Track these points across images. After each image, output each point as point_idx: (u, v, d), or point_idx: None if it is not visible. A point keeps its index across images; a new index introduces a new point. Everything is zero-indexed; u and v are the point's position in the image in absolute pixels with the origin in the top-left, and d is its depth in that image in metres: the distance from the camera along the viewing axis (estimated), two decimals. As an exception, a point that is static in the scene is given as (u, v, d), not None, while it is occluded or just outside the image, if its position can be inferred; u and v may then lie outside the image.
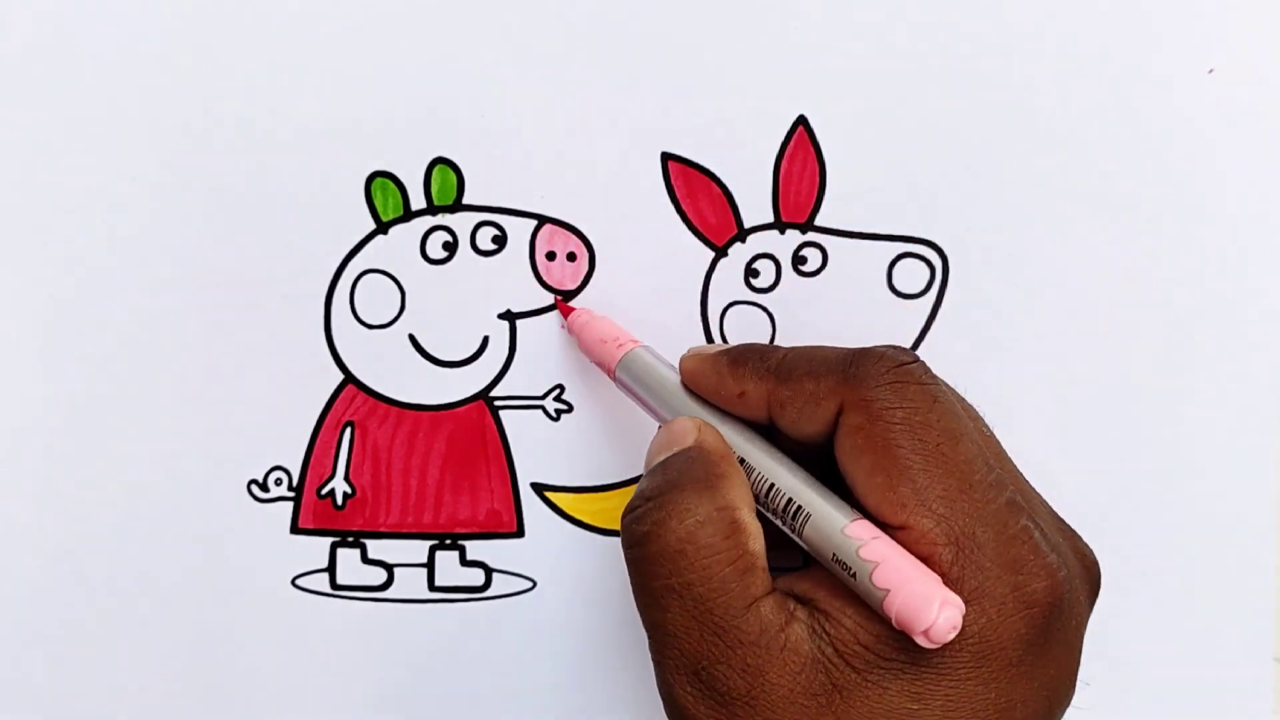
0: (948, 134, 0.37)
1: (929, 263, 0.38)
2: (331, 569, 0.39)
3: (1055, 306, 0.38)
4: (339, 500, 0.38)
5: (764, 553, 0.29)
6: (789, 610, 0.28)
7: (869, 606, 0.27)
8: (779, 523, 0.30)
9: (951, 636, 0.26)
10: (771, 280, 0.38)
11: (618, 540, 0.35)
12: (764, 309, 0.38)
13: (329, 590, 0.39)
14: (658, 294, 0.38)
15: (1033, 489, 0.31)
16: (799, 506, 0.29)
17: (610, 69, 0.37)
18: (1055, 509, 0.31)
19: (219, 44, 0.37)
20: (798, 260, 0.38)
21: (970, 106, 0.37)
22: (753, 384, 0.31)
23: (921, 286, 0.38)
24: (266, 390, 0.38)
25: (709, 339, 0.38)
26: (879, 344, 0.30)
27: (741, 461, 0.31)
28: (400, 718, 0.39)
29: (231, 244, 0.37)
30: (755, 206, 0.38)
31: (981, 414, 0.31)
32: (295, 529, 0.38)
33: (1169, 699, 0.39)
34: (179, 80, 0.37)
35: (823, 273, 0.38)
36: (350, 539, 0.39)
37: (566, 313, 0.37)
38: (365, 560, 0.39)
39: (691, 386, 0.33)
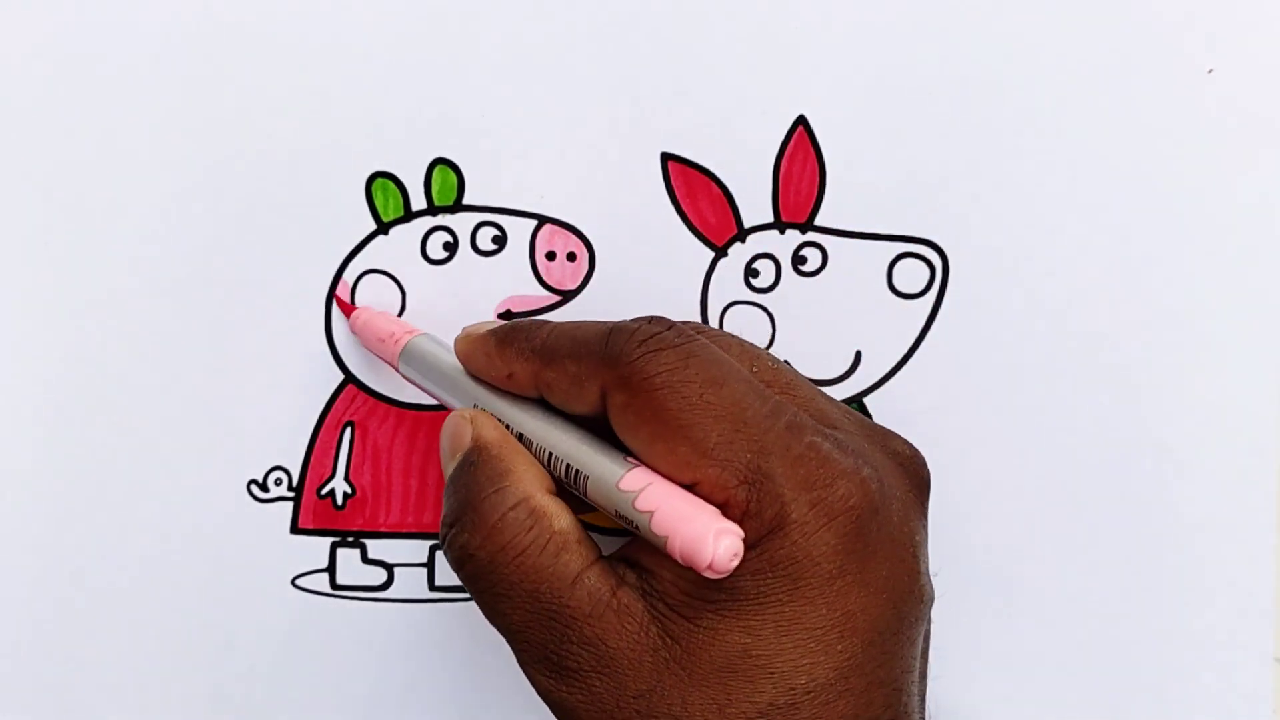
0: (948, 134, 0.37)
1: (929, 263, 0.38)
2: (331, 569, 0.39)
3: (1055, 306, 0.38)
4: (339, 500, 0.38)
5: (575, 525, 0.29)
6: (618, 575, 0.29)
7: None
8: (570, 488, 0.30)
9: (734, 563, 0.26)
10: (771, 280, 0.38)
11: (618, 539, 0.35)
12: (764, 309, 0.38)
13: (329, 590, 0.39)
14: (658, 294, 0.38)
15: (837, 407, 0.31)
16: (577, 470, 0.29)
17: (610, 69, 0.37)
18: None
19: (219, 45, 0.37)
20: (798, 260, 0.38)
21: (970, 106, 0.37)
22: (519, 365, 0.31)
23: (921, 286, 0.38)
24: (266, 390, 0.38)
25: (709, 339, 0.38)
26: (635, 318, 0.30)
27: (520, 437, 0.31)
28: (400, 718, 0.39)
29: (232, 244, 0.37)
30: (755, 206, 0.38)
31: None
32: (295, 529, 0.38)
33: (1169, 699, 0.39)
34: (180, 81, 0.37)
35: (823, 273, 0.38)
36: (350, 539, 0.39)
37: (348, 312, 0.37)
38: (365, 560, 0.39)
39: (468, 369, 0.33)
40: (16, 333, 0.38)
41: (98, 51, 0.37)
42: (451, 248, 0.38)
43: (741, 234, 0.38)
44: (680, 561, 0.26)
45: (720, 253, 0.38)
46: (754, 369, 0.30)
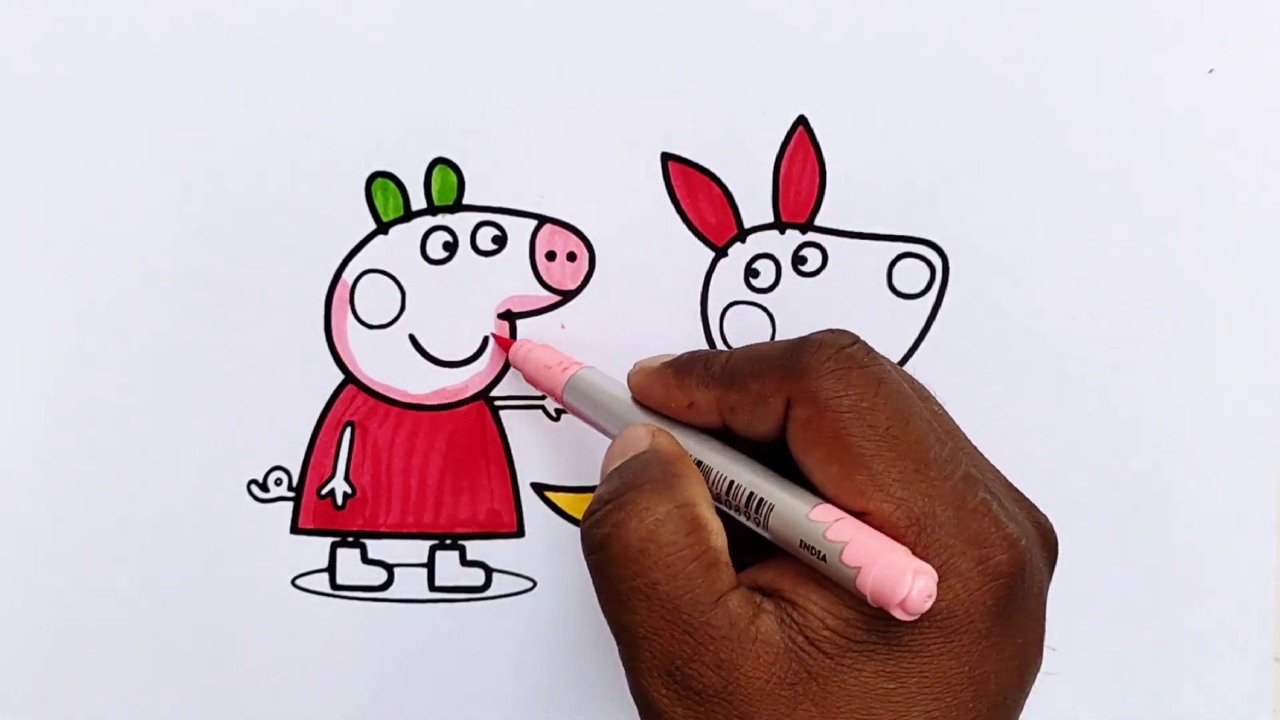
0: (948, 134, 0.37)
1: (929, 263, 0.38)
2: (331, 569, 0.39)
3: (1055, 306, 0.38)
4: (339, 500, 0.38)
5: (726, 549, 0.29)
6: (755, 603, 0.28)
7: (834, 592, 0.27)
8: (743, 519, 0.30)
9: (928, 605, 0.26)
10: (771, 280, 0.38)
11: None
12: (764, 309, 0.38)
13: (329, 590, 0.39)
14: (658, 294, 0.38)
15: (986, 461, 0.31)
16: (760, 499, 0.29)
17: (610, 69, 0.37)
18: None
19: (220, 45, 0.37)
20: (798, 260, 0.38)
21: (970, 106, 0.37)
22: (700, 393, 0.31)
23: (921, 286, 0.38)
24: (266, 390, 0.38)
25: (709, 339, 0.38)
26: (819, 330, 0.30)
27: (699, 465, 0.31)
28: (400, 718, 0.39)
29: (232, 244, 0.37)
30: (755, 206, 0.38)
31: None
32: (295, 529, 0.38)
33: (1169, 699, 0.39)
34: (180, 81, 0.37)
35: (823, 273, 0.38)
36: (350, 539, 0.39)
37: (506, 346, 0.38)
38: (365, 560, 0.39)
39: (643, 401, 0.33)
40: (17, 333, 0.38)
41: (98, 52, 0.37)
42: (451, 248, 0.38)
43: (741, 234, 0.38)
44: (868, 596, 0.26)
45: (720, 253, 0.38)
46: (927, 407, 0.30)
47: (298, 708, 0.39)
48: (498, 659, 0.39)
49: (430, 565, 0.39)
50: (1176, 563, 0.39)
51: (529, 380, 0.37)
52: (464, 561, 0.39)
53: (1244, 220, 0.38)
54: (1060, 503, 0.37)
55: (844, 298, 0.38)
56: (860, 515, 0.27)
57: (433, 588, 0.39)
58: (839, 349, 0.28)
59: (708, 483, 0.30)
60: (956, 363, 0.38)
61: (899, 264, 0.38)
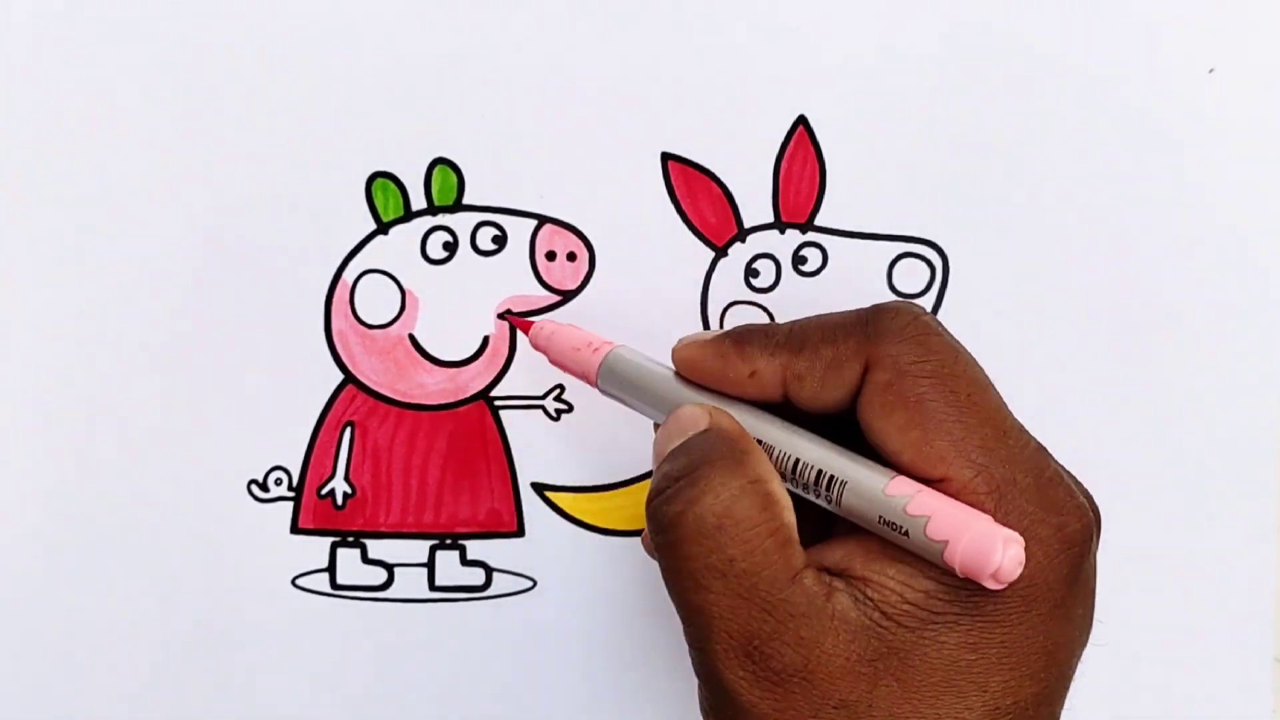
0: (948, 134, 0.37)
1: (929, 263, 0.38)
2: (331, 569, 0.39)
3: (1055, 306, 0.38)
4: (339, 500, 0.38)
5: (795, 526, 0.28)
6: (828, 582, 0.27)
7: (912, 565, 0.27)
8: (812, 497, 0.29)
9: (1019, 572, 0.25)
10: (771, 280, 0.38)
11: (618, 540, 0.35)
12: (764, 309, 0.38)
13: (329, 590, 0.39)
14: (658, 294, 0.38)
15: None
16: (832, 476, 0.28)
17: (610, 69, 0.37)
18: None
19: (220, 44, 0.37)
20: (798, 260, 0.38)
21: (970, 106, 0.37)
22: (764, 361, 0.29)
23: (921, 286, 0.38)
24: (266, 390, 0.38)
25: (709, 339, 0.38)
26: (889, 300, 0.29)
27: (760, 444, 0.30)
28: (400, 718, 0.39)
29: (232, 244, 0.37)
30: (755, 206, 0.38)
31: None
32: (295, 529, 0.38)
33: (1169, 699, 0.39)
34: (180, 80, 0.37)
35: (823, 273, 0.38)
36: (350, 539, 0.39)
37: (525, 328, 0.36)
38: (365, 560, 0.39)
39: (690, 376, 0.31)
40: (17, 333, 0.38)
41: (98, 52, 0.37)
42: (451, 247, 0.38)
43: (742, 234, 0.38)
44: (958, 568, 0.26)
45: (720, 253, 0.38)
46: None
47: (298, 708, 0.39)
48: (498, 659, 0.39)
49: (430, 565, 0.39)
50: (1176, 563, 0.39)
51: (555, 363, 0.35)
52: (464, 561, 0.39)
53: (1244, 220, 0.38)
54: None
55: (844, 298, 0.38)
56: (939, 482, 0.27)
57: (433, 588, 0.39)
58: (915, 316, 0.28)
59: (772, 460, 0.29)
60: (956, 363, 0.38)
61: (899, 264, 0.38)
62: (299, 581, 0.39)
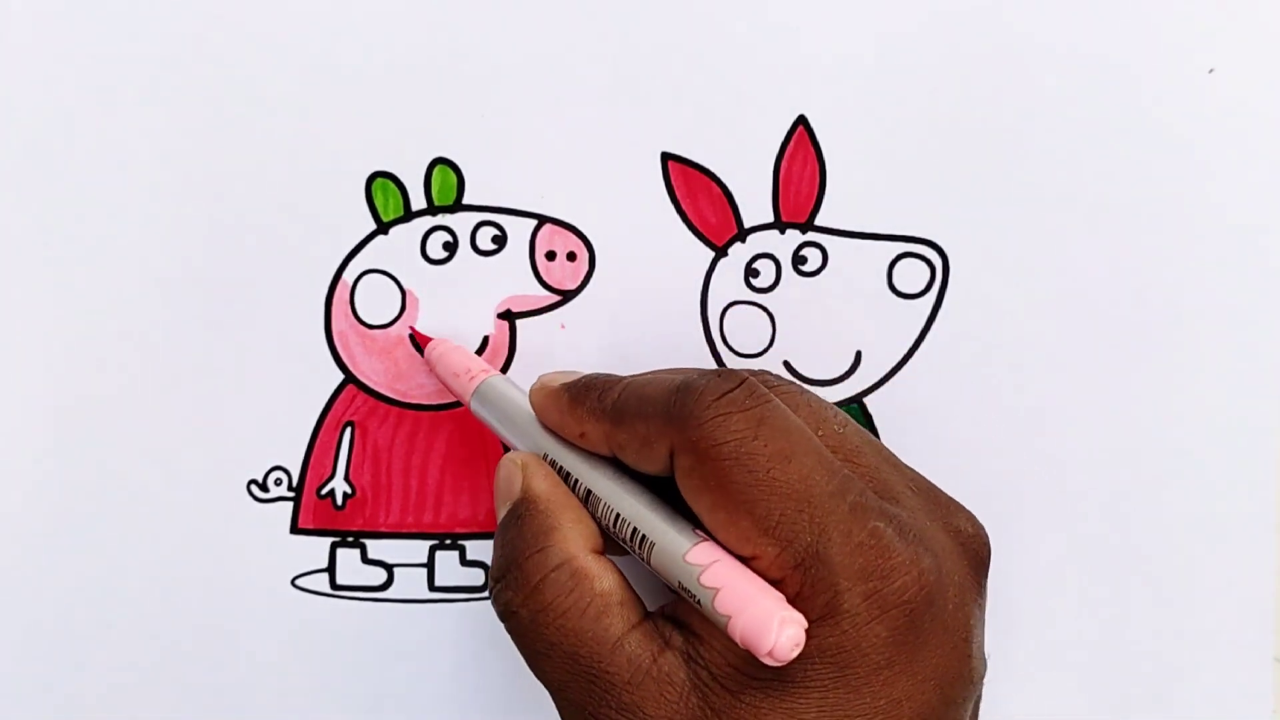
0: (948, 134, 0.37)
1: (929, 263, 0.38)
2: (331, 569, 0.39)
3: (1055, 306, 0.38)
4: (339, 500, 0.38)
5: (620, 585, 0.29)
6: (664, 638, 0.29)
7: None
8: (630, 552, 0.30)
9: (795, 653, 0.26)
10: (771, 280, 0.38)
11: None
12: (764, 309, 0.38)
13: (329, 590, 0.39)
14: (658, 294, 0.38)
15: (900, 474, 0.31)
16: (643, 536, 0.29)
17: (610, 69, 0.37)
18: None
19: (219, 44, 0.37)
20: (798, 260, 0.38)
21: (970, 106, 0.37)
22: (591, 424, 0.31)
23: (921, 286, 0.38)
24: (266, 390, 0.38)
25: (709, 339, 0.38)
26: (704, 372, 0.29)
27: (589, 494, 0.31)
28: (400, 718, 0.39)
29: (232, 244, 0.37)
30: (755, 206, 0.38)
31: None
32: (295, 529, 0.38)
33: (1169, 699, 0.39)
34: (179, 80, 0.37)
35: (823, 273, 0.38)
36: (350, 539, 0.39)
37: (424, 342, 0.37)
38: (365, 560, 0.39)
39: (541, 419, 0.32)
40: (17, 333, 0.38)
41: (98, 51, 0.37)
42: (451, 248, 0.38)
43: (741, 234, 0.38)
44: (739, 644, 0.26)
45: (720, 253, 0.38)
46: (820, 432, 0.29)
47: (298, 708, 0.39)
48: (497, 659, 0.39)
49: (430, 565, 0.39)
50: (1176, 563, 0.39)
51: (440, 382, 0.37)
52: (464, 561, 0.39)
53: (1244, 220, 0.38)
54: (1060, 502, 0.37)
55: (844, 298, 0.38)
56: (748, 560, 0.27)
57: (433, 588, 0.39)
58: (720, 395, 0.28)
59: (598, 511, 0.30)
60: (956, 363, 0.38)
61: (899, 264, 0.38)
62: (299, 582, 0.39)
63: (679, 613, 0.29)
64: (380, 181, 0.37)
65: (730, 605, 0.26)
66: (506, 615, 0.30)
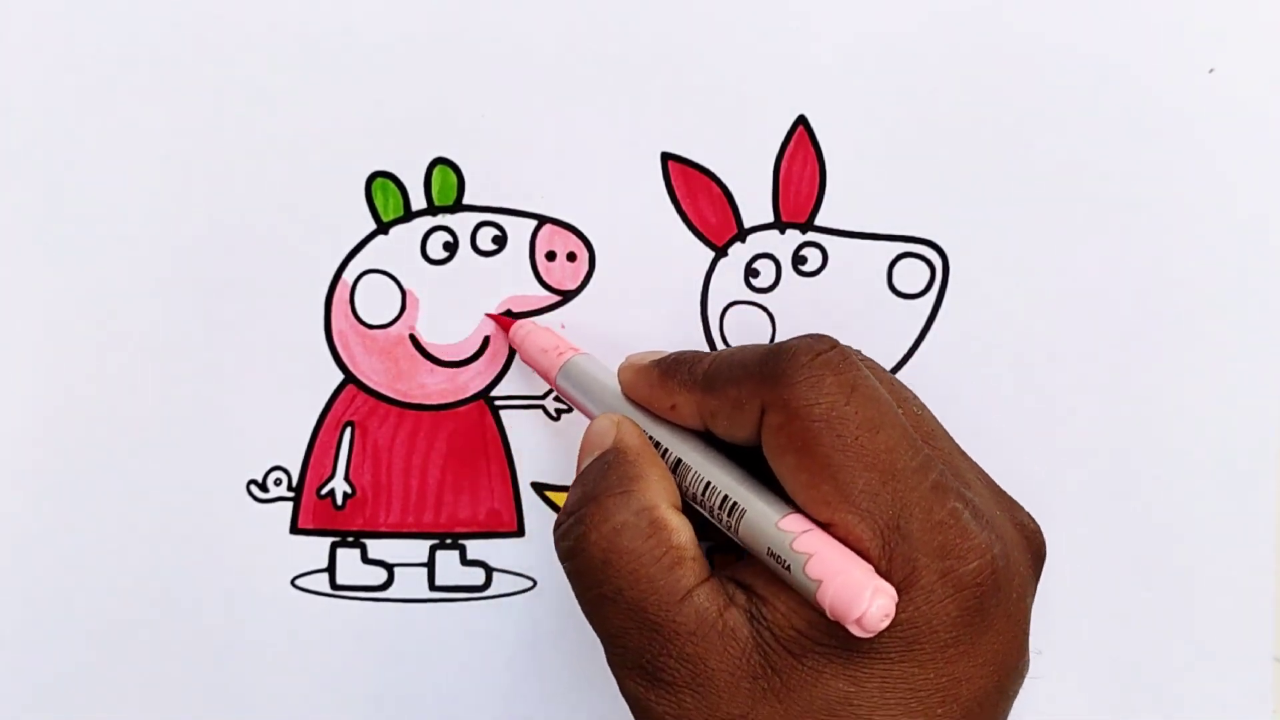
0: (948, 134, 0.37)
1: (929, 263, 0.38)
2: (331, 569, 0.39)
3: (1055, 306, 0.38)
4: (339, 500, 0.38)
5: (694, 543, 0.29)
6: (727, 595, 0.29)
7: (799, 594, 0.28)
8: (716, 521, 0.30)
9: (885, 624, 0.26)
10: (771, 280, 0.38)
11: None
12: (764, 309, 0.38)
13: (329, 590, 0.39)
14: (658, 294, 0.38)
15: (969, 463, 0.31)
16: (734, 503, 0.29)
17: (610, 69, 0.37)
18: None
19: (219, 43, 0.37)
20: (798, 260, 0.38)
21: (970, 106, 0.37)
22: (682, 396, 0.31)
23: (921, 286, 0.38)
24: (266, 390, 0.38)
25: (709, 339, 0.38)
26: (799, 335, 0.30)
27: (679, 463, 0.31)
28: (400, 718, 0.39)
29: (232, 244, 0.37)
30: (755, 206, 0.38)
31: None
32: (295, 529, 0.38)
33: (1169, 699, 0.39)
34: (180, 80, 0.37)
35: (823, 273, 0.38)
36: (350, 539, 0.39)
37: (506, 326, 0.38)
38: (365, 560, 0.39)
39: (630, 396, 0.33)
40: (16, 333, 0.38)
41: (97, 50, 0.37)
42: (451, 248, 0.38)
43: (741, 234, 0.38)
44: (827, 610, 0.26)
45: (720, 253, 0.38)
46: (901, 410, 0.30)
47: (298, 708, 0.39)
48: (498, 659, 0.39)
49: (430, 565, 0.39)
50: (1176, 563, 0.39)
51: (525, 360, 0.37)
52: (464, 561, 0.39)
53: (1244, 220, 0.38)
54: (1060, 502, 0.37)
55: (844, 298, 0.38)
56: (826, 526, 0.28)
57: (433, 587, 0.39)
58: (814, 355, 0.29)
59: (686, 480, 0.31)
60: (956, 363, 0.38)
61: (899, 264, 0.38)
62: (299, 582, 0.39)
63: (743, 575, 0.29)
64: (380, 181, 0.37)
65: (821, 572, 0.27)
66: (575, 553, 0.30)
